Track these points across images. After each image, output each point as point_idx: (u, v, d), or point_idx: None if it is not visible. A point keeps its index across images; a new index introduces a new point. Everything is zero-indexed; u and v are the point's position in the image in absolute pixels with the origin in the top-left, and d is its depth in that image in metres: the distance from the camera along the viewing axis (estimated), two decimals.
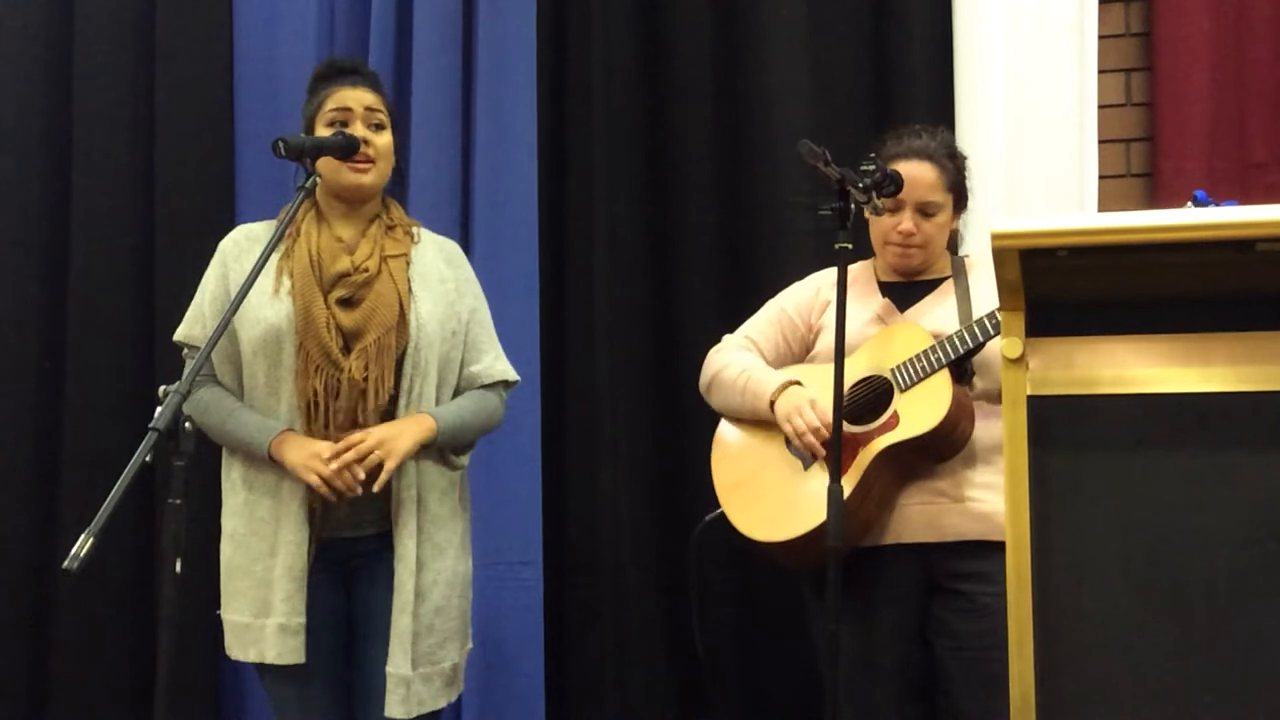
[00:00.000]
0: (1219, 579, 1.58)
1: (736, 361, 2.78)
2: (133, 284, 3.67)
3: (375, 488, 2.49)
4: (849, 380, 2.59)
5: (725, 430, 2.81)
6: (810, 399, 2.60)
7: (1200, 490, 1.60)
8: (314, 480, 2.46)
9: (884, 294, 2.73)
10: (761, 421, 2.71)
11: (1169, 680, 1.59)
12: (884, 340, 2.64)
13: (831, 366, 2.56)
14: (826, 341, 2.67)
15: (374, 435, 2.49)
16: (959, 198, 2.73)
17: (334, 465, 2.45)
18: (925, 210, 2.66)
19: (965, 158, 2.77)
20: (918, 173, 2.64)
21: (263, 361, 2.56)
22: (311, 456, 2.47)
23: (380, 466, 2.48)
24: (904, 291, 2.72)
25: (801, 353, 2.79)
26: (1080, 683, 1.62)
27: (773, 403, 2.66)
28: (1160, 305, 1.65)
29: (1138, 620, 1.60)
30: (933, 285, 2.71)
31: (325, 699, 2.60)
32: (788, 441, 2.64)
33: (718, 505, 2.76)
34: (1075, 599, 1.62)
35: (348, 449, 2.47)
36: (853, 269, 2.79)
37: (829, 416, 2.53)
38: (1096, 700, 1.61)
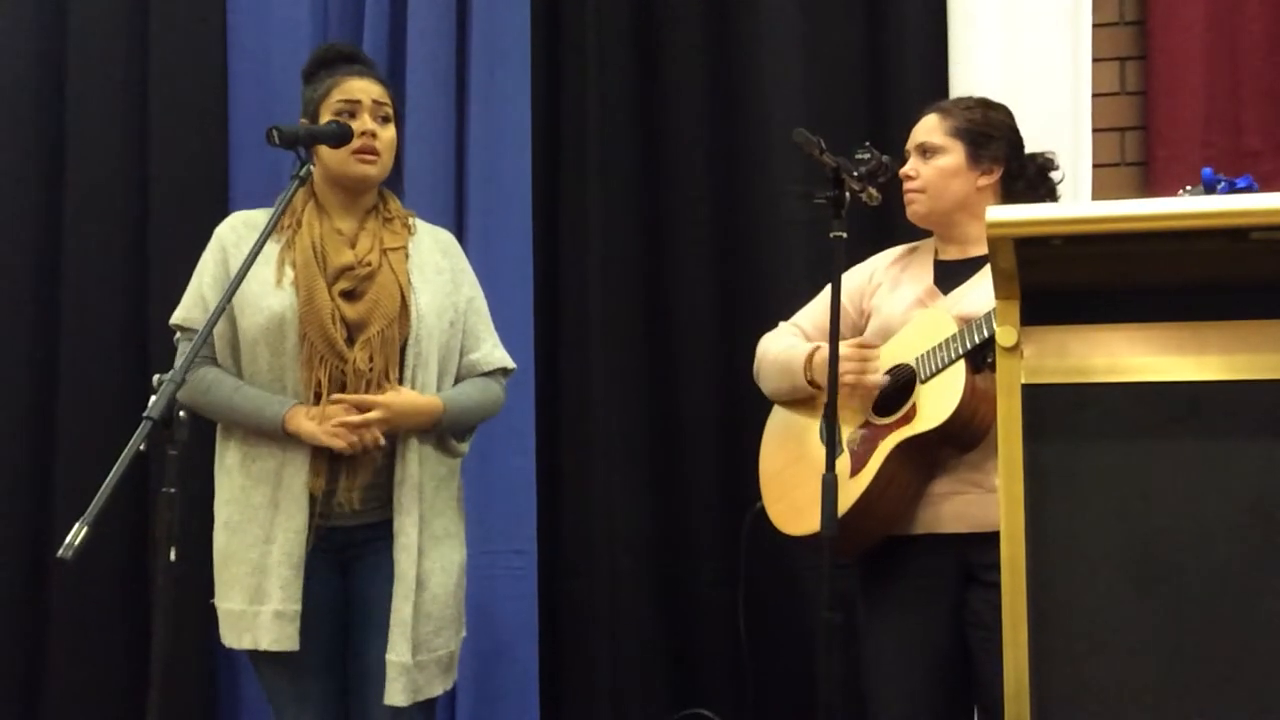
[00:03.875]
0: (1213, 568, 1.59)
1: (780, 343, 2.77)
2: (126, 275, 3.66)
3: (346, 450, 2.51)
4: (881, 369, 2.58)
5: (773, 418, 2.81)
6: (854, 341, 2.58)
7: (1194, 479, 1.60)
8: (333, 442, 2.48)
9: (939, 273, 2.68)
10: (804, 408, 2.70)
11: (1163, 670, 1.60)
12: (916, 327, 2.61)
13: (881, 348, 2.56)
14: (875, 325, 2.65)
15: (383, 411, 2.50)
16: (975, 147, 2.65)
17: (335, 421, 2.48)
18: (923, 151, 2.65)
19: (1000, 112, 2.72)
20: (920, 121, 2.69)
21: (265, 350, 2.56)
22: (324, 420, 2.50)
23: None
24: (955, 270, 2.67)
25: (853, 337, 2.77)
26: (1074, 673, 1.62)
27: (810, 359, 2.64)
28: (1154, 294, 1.65)
29: (1132, 609, 1.61)
30: (980, 263, 2.63)
31: (319, 687, 2.60)
32: (820, 431, 2.63)
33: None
34: (1069, 588, 1.63)
35: (356, 408, 2.50)
36: (915, 246, 2.78)
37: (866, 355, 2.54)
38: (1091, 690, 1.62)
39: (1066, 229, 1.62)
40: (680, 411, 3.46)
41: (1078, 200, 3.22)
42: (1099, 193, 3.29)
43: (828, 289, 2.81)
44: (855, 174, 2.38)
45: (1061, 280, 1.66)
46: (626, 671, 3.43)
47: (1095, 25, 3.34)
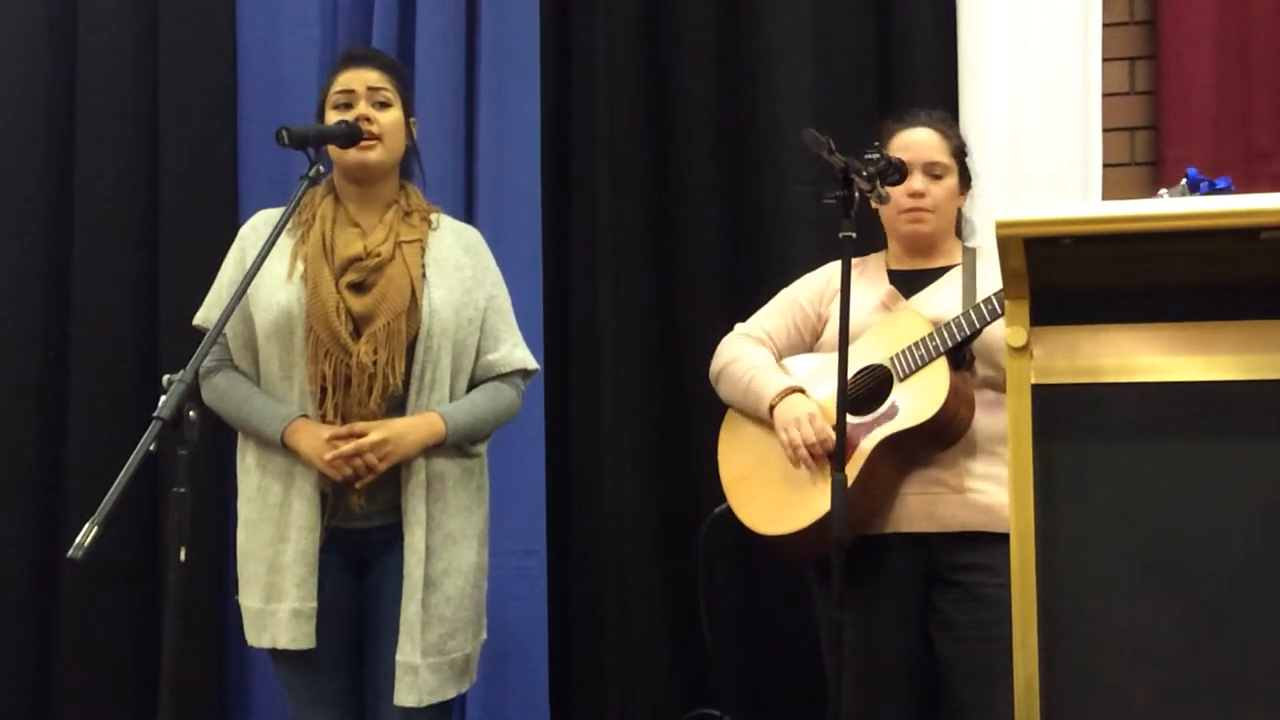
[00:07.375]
0: (1224, 568, 1.58)
1: (745, 356, 2.78)
2: (136, 275, 3.66)
3: (357, 485, 2.50)
4: (850, 369, 2.59)
5: (731, 422, 2.81)
6: (810, 412, 2.60)
7: (1205, 479, 1.60)
8: (324, 469, 2.48)
9: (892, 281, 2.73)
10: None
11: (1173, 670, 1.59)
12: (885, 328, 2.64)
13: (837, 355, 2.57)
14: (833, 330, 2.67)
15: (380, 432, 2.49)
16: (963, 171, 2.75)
17: (328, 455, 2.46)
18: (932, 172, 2.69)
19: (964, 140, 2.82)
20: (920, 136, 2.70)
21: (275, 346, 2.56)
22: (323, 444, 2.48)
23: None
24: (912, 279, 2.72)
25: (812, 341, 2.79)
26: (1084, 673, 1.62)
27: (772, 408, 2.66)
28: (1165, 294, 1.64)
29: (1142, 610, 1.60)
30: (940, 273, 2.71)
31: (336, 687, 2.60)
32: None
33: (724, 496, 2.76)
34: (1080, 588, 1.62)
35: (350, 436, 2.48)
36: (864, 258, 2.80)
37: (826, 432, 2.55)
38: (1101, 691, 1.62)
39: (1077, 229, 1.62)
40: (691, 412, 3.46)
41: (1088, 200, 3.22)
42: (1109, 192, 3.29)
43: (783, 294, 2.86)
44: (864, 174, 2.38)
45: (1071, 280, 1.66)
46: (636, 672, 3.43)
47: (1105, 25, 3.33)
